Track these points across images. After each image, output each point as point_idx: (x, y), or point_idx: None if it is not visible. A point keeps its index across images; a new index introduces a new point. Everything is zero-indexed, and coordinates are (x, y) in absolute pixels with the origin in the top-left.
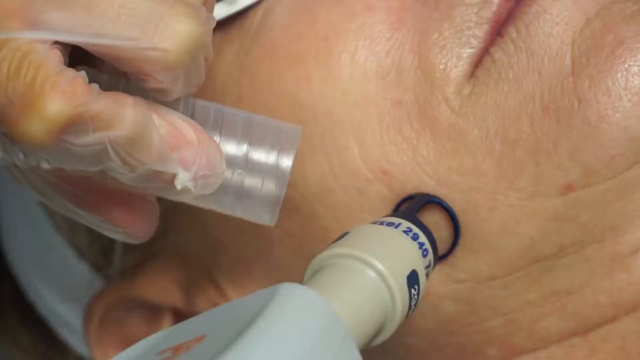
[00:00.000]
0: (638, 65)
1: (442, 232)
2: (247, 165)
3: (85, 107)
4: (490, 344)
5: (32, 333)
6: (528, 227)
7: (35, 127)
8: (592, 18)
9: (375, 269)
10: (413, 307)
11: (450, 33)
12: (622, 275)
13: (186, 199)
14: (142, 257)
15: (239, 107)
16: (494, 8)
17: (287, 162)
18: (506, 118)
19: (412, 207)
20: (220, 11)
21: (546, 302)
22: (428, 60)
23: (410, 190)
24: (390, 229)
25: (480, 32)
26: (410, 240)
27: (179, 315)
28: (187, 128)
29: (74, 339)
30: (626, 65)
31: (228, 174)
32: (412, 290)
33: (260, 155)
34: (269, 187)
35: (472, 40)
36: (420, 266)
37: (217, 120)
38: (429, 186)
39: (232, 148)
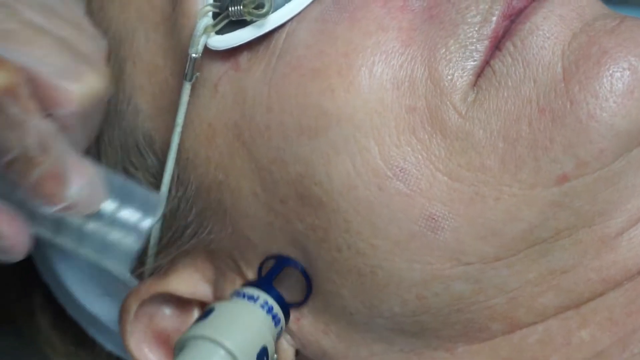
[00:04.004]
0: (620, 72)
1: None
2: (114, 220)
3: None
4: (494, 319)
5: (62, 334)
6: (529, 214)
7: None
8: (578, 33)
9: (227, 349)
10: None
11: (455, 48)
12: (610, 254)
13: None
14: (174, 256)
15: (268, 117)
16: (493, 26)
17: (147, 223)
18: (507, 120)
19: (270, 273)
20: (249, 34)
21: (543, 280)
22: (437, 72)
23: (424, 186)
24: (249, 305)
25: (481, 47)
26: (265, 315)
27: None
28: (82, 159)
29: (102, 337)
30: (610, 72)
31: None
32: None
33: (126, 214)
34: (128, 241)
35: (474, 54)
36: (270, 340)
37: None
38: (442, 181)
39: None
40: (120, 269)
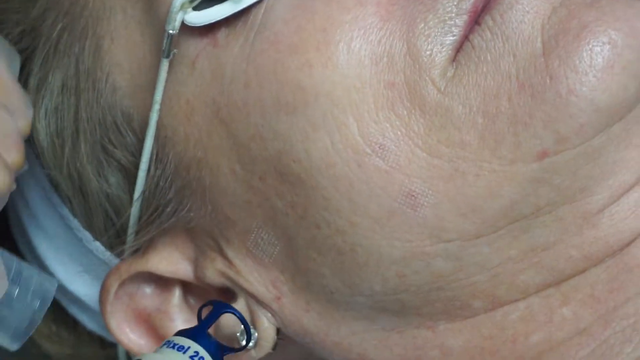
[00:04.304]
0: (600, 46)
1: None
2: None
3: None
4: (475, 297)
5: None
6: (509, 190)
7: None
8: (557, 7)
9: None
10: None
11: (434, 23)
12: (591, 231)
13: None
14: (153, 234)
15: (246, 93)
16: (472, 0)
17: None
18: (486, 95)
19: (206, 321)
20: (227, 9)
21: (525, 257)
22: (416, 47)
23: (403, 162)
24: (178, 356)
25: (460, 22)
26: None
27: (188, 287)
28: None
29: (84, 316)
30: (590, 46)
31: None
32: None
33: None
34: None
35: (453, 29)
36: None
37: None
38: (421, 157)
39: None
40: (11, 344)
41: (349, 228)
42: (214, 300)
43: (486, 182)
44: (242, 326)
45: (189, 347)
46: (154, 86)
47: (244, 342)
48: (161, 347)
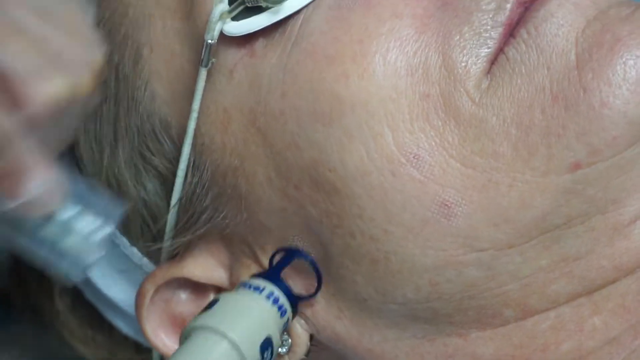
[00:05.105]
0: (634, 59)
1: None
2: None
3: None
4: (507, 305)
5: (80, 318)
6: (541, 201)
7: None
8: (591, 20)
9: (230, 340)
10: None
11: (469, 35)
12: (623, 242)
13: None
14: (189, 241)
15: (283, 103)
16: (507, 13)
17: (105, 231)
18: (520, 107)
19: (279, 264)
20: (265, 20)
21: (556, 267)
22: (451, 59)
23: (437, 172)
24: (254, 296)
25: (495, 34)
26: (270, 305)
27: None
28: (45, 159)
29: (119, 321)
30: (624, 59)
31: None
32: (265, 353)
33: (86, 221)
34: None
35: (488, 41)
36: (274, 330)
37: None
38: (455, 167)
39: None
40: (75, 275)
41: (383, 236)
42: (286, 247)
43: (519, 193)
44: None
45: (264, 288)
46: (192, 95)
47: (281, 350)
48: (237, 288)
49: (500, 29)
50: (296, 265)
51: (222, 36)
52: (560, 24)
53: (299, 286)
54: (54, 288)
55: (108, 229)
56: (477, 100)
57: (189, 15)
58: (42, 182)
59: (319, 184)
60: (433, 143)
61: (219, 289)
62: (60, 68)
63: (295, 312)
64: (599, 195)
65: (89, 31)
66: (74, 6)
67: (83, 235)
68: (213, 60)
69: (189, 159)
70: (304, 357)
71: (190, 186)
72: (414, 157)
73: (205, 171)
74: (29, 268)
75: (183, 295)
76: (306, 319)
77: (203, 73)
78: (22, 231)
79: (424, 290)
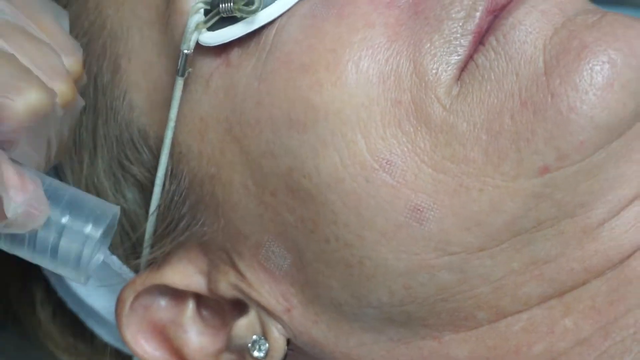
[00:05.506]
0: (600, 65)
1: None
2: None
3: None
4: (479, 308)
5: (62, 327)
6: (512, 205)
7: None
8: (559, 27)
9: None
10: None
11: (440, 43)
12: (592, 244)
13: (13, 230)
14: (168, 248)
15: (258, 111)
16: (477, 21)
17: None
18: (490, 113)
19: None
20: (240, 30)
21: (527, 270)
22: (422, 66)
23: (409, 178)
24: None
25: (465, 42)
26: None
27: (201, 300)
28: (25, 174)
29: (100, 329)
30: (590, 65)
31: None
32: None
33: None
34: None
35: (458, 49)
36: None
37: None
38: (427, 173)
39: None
40: (77, 277)
41: (357, 241)
42: None
43: (489, 197)
44: (254, 336)
45: None
46: (170, 104)
47: (255, 353)
48: None
49: (469, 37)
50: (273, 273)
51: (198, 46)
52: (529, 32)
53: (276, 293)
54: (35, 297)
55: (100, 230)
56: (447, 106)
57: (165, 27)
58: (21, 201)
59: (294, 190)
60: (405, 149)
61: (197, 296)
62: (26, 81)
63: None
64: (568, 199)
65: (66, 40)
66: (50, 15)
67: (78, 238)
68: (189, 69)
69: (167, 167)
70: None
71: (168, 194)
72: (386, 162)
73: (182, 179)
74: (9, 278)
75: (162, 302)
76: (283, 324)
77: (180, 82)
78: (19, 242)
79: (398, 294)
